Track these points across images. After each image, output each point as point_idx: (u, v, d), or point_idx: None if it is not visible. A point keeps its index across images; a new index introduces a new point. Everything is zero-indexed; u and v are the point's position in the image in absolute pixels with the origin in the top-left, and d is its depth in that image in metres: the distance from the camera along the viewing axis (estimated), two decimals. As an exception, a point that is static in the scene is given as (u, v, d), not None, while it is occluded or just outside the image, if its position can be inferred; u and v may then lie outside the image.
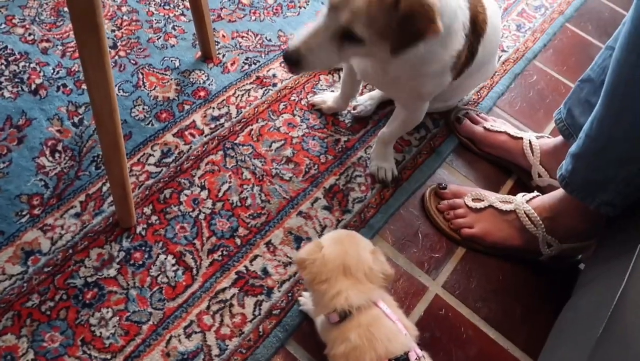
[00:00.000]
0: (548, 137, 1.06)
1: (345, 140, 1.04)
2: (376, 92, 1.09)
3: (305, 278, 0.69)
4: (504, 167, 1.08)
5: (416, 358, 0.63)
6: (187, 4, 1.02)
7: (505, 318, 0.89)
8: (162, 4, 1.16)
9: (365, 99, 1.08)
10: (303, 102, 1.07)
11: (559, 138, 1.01)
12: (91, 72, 0.67)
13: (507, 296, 0.91)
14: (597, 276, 0.74)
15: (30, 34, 1.04)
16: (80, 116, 0.95)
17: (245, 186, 0.92)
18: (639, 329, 0.52)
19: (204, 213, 0.88)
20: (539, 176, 1.01)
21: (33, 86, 0.97)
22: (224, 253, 0.84)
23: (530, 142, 1.02)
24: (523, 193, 0.96)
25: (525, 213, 0.91)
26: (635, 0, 0.70)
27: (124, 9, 1.13)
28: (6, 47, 1.01)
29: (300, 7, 1.24)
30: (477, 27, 0.85)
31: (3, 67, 0.98)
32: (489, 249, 0.94)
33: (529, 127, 1.16)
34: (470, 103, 1.17)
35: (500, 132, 1.06)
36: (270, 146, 0.99)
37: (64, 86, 0.98)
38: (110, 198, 0.86)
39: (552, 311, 0.85)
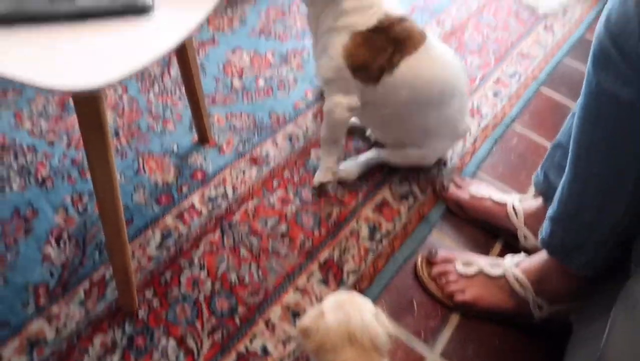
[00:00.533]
0: (531, 198, 1.11)
1: (337, 212, 1.08)
2: (362, 157, 1.16)
3: (308, 347, 0.67)
4: (492, 230, 1.12)
5: None
6: (184, 90, 1.10)
7: (503, 384, 0.90)
8: (161, 92, 1.24)
9: (349, 163, 1.15)
10: (296, 178, 1.13)
11: (541, 200, 1.06)
12: (96, 167, 0.72)
13: (504, 362, 0.93)
14: (582, 338, 0.76)
15: (37, 128, 1.11)
16: (84, 204, 1.00)
17: (243, 264, 0.96)
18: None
19: (203, 293, 0.91)
20: (525, 238, 1.05)
21: (40, 178, 1.02)
22: (224, 333, 0.86)
23: (514, 207, 1.07)
24: (512, 254, 1.00)
25: (514, 276, 0.95)
26: (585, 73, 0.77)
27: (125, 98, 1.21)
28: (15, 141, 1.07)
29: (289, 88, 1.33)
30: (403, 43, 0.99)
31: (12, 161, 1.04)
32: (482, 315, 0.97)
33: (513, 189, 1.22)
34: (455, 169, 1.23)
35: (485, 197, 1.11)
36: (265, 223, 1.03)
37: (69, 175, 1.04)
38: (113, 284, 0.89)
39: (548, 375, 0.87)
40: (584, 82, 0.76)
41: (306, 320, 0.69)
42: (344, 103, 1.02)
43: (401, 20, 1.00)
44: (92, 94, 0.61)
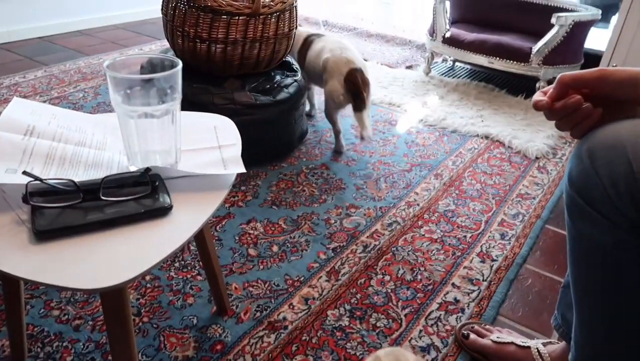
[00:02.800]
0: (556, 342, 1.08)
1: (359, 374, 1.06)
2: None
3: None
4: (521, 378, 1.07)
5: None
6: (202, 265, 1.16)
7: None
8: (181, 268, 1.32)
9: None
10: (314, 340, 1.13)
11: (565, 343, 1.03)
12: (118, 353, 0.76)
13: None
14: None
15: (65, 314, 1.16)
16: (105, 389, 1.00)
17: None
18: None
19: None
20: (558, 384, 1.00)
21: (64, 365, 1.05)
22: None
23: (538, 351, 1.04)
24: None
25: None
26: (565, 222, 0.80)
27: (147, 277, 1.28)
28: (43, 330, 1.12)
29: (302, 250, 1.40)
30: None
31: (39, 349, 1.08)
32: None
33: (536, 332, 1.19)
34: (474, 316, 1.22)
35: (508, 343, 1.08)
36: (286, 393, 1.01)
37: (93, 359, 1.06)
38: None
39: None
40: (567, 230, 0.80)
41: None
42: None
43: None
44: (116, 288, 0.68)
